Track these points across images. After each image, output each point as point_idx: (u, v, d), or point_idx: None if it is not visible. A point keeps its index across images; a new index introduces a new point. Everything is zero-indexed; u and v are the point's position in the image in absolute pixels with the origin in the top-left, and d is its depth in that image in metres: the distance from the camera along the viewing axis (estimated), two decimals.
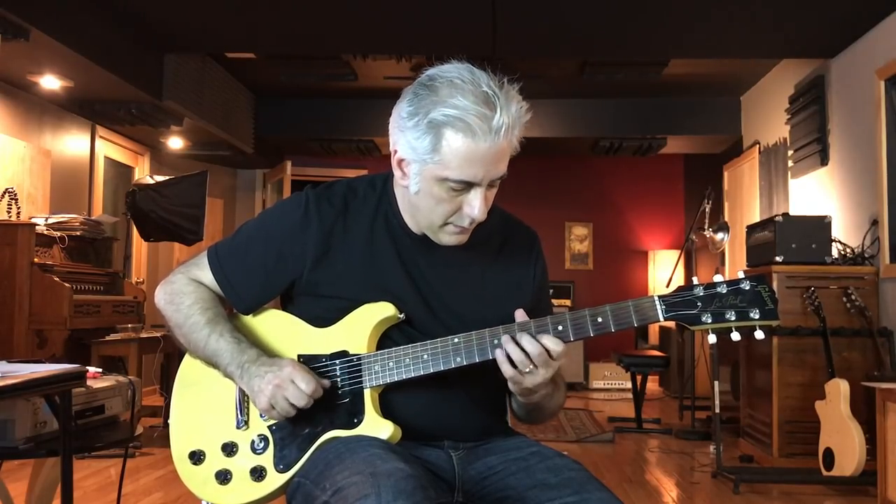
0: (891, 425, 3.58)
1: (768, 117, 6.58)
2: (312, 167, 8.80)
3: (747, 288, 1.44)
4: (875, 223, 4.69)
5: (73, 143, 6.16)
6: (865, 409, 4.09)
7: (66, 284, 4.70)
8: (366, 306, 1.53)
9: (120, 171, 6.99)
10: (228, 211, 8.65)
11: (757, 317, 1.42)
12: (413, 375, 1.48)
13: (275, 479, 1.50)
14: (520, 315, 1.48)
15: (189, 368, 1.63)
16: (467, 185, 1.45)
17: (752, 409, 4.87)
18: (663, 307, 1.44)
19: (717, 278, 1.45)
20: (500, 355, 1.45)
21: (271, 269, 1.58)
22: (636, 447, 5.35)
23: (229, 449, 1.54)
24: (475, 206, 1.46)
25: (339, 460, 1.39)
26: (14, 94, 5.41)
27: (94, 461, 4.26)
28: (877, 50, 4.81)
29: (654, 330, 8.36)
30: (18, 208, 5.02)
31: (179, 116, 6.20)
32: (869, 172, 4.81)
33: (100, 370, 2.65)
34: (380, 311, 1.52)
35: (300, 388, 1.45)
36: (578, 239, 9.47)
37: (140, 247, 7.00)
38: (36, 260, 4.69)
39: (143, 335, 5.11)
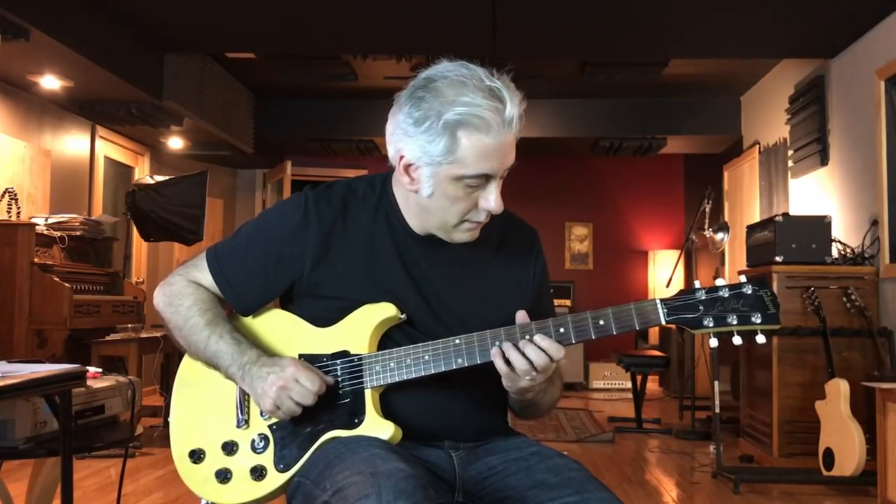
0: (891, 425, 3.58)
1: (768, 117, 6.58)
2: (312, 167, 8.80)
3: (749, 292, 1.44)
4: (875, 223, 4.69)
5: (73, 143, 6.16)
6: (865, 409, 4.09)
7: (66, 284, 4.70)
8: (367, 306, 1.53)
9: (120, 171, 6.99)
10: (228, 211, 8.65)
11: (758, 321, 1.42)
12: (414, 376, 1.49)
13: (275, 479, 1.50)
14: (520, 317, 1.48)
15: (189, 368, 1.62)
16: (484, 180, 1.46)
17: (752, 409, 4.87)
18: (665, 311, 1.44)
19: (720, 282, 1.45)
20: (495, 354, 1.44)
21: (271, 270, 1.58)
22: (636, 447, 5.35)
23: (229, 448, 1.54)
24: (492, 199, 1.47)
25: (340, 460, 1.39)
26: (14, 94, 5.41)
27: (94, 461, 4.26)
28: (877, 50, 4.81)
29: (654, 330, 8.37)
30: (18, 208, 5.02)
31: (179, 116, 6.20)
32: (869, 172, 4.81)
33: (100, 370, 2.65)
34: (381, 312, 1.52)
35: (305, 387, 1.45)
36: (578, 239, 9.47)
37: (140, 247, 7.00)
38: (36, 260, 4.69)
39: (143, 335, 5.10)
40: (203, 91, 6.37)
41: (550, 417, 6.14)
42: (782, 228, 4.61)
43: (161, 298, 1.62)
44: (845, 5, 4.66)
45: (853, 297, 4.40)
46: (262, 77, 6.96)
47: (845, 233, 5.04)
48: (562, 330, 1.46)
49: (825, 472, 4.05)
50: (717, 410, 4.47)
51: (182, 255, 7.44)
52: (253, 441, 1.53)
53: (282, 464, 1.50)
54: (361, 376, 1.51)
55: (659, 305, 1.44)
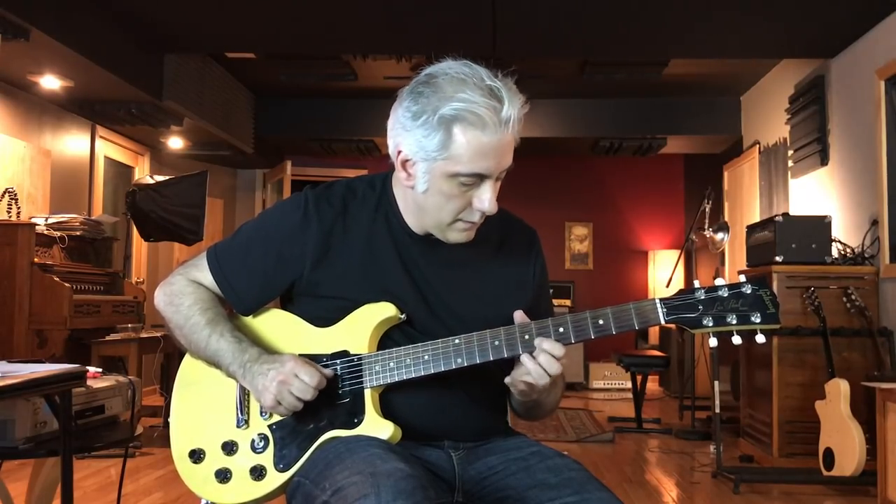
0: (891, 425, 3.58)
1: (768, 117, 6.58)
2: (312, 167, 8.80)
3: (748, 292, 1.44)
4: (875, 223, 4.69)
5: (73, 143, 6.16)
6: (865, 409, 4.09)
7: (66, 284, 4.70)
8: (367, 306, 1.53)
9: (120, 171, 6.99)
10: (228, 211, 8.65)
11: (758, 321, 1.42)
12: (414, 376, 1.49)
13: (274, 479, 1.50)
14: (519, 316, 1.49)
15: (189, 367, 1.63)
16: (478, 179, 1.46)
17: (752, 409, 4.87)
18: (664, 310, 1.44)
19: (719, 282, 1.45)
20: (528, 364, 1.45)
21: (271, 270, 1.58)
22: (636, 447, 5.35)
23: (229, 448, 1.54)
24: (485, 199, 1.47)
25: (339, 460, 1.39)
26: (14, 94, 5.41)
27: (94, 461, 4.26)
28: (877, 50, 4.81)
29: (654, 330, 8.36)
30: (18, 208, 5.03)
31: (179, 116, 6.20)
32: (869, 172, 4.81)
33: (100, 370, 2.65)
34: (381, 312, 1.52)
35: (305, 381, 1.45)
36: (578, 239, 9.47)
37: (140, 247, 7.00)
38: (36, 260, 4.69)
39: (143, 335, 5.11)
40: (203, 91, 6.37)
41: (551, 417, 6.14)
42: (782, 228, 4.61)
43: (161, 298, 1.62)
44: (845, 5, 4.66)
45: (853, 297, 4.40)
46: (262, 77, 6.96)
47: (845, 233, 5.04)
48: (561, 330, 1.46)
49: (825, 472, 4.05)
50: (717, 410, 4.47)
51: (182, 255, 7.44)
52: (253, 441, 1.53)
53: (281, 464, 1.50)
54: (361, 376, 1.51)
55: (658, 305, 1.44)
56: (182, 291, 1.61)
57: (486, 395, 1.61)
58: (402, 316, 1.53)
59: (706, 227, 5.83)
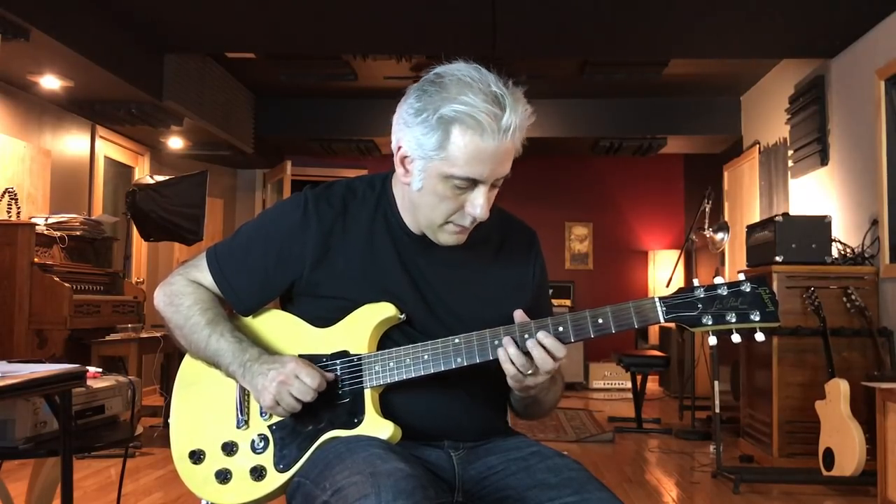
0: (891, 425, 3.58)
1: (768, 117, 6.58)
2: (312, 167, 8.80)
3: (748, 290, 1.44)
4: (875, 223, 4.69)
5: (73, 143, 6.16)
6: (865, 409, 4.09)
7: (66, 284, 4.70)
8: (366, 306, 1.53)
9: (120, 171, 6.99)
10: (228, 211, 8.65)
11: (757, 319, 1.42)
12: (413, 376, 1.49)
13: (275, 479, 1.50)
14: (519, 316, 1.49)
15: (189, 368, 1.63)
16: (472, 184, 1.45)
17: (752, 409, 4.87)
18: (664, 309, 1.44)
19: (718, 280, 1.46)
20: (502, 355, 1.45)
21: (271, 270, 1.58)
22: (636, 447, 5.35)
23: (229, 448, 1.54)
24: (478, 204, 1.47)
25: (339, 460, 1.39)
26: (14, 94, 5.41)
27: (94, 461, 4.26)
28: (877, 50, 4.81)
29: (654, 330, 8.36)
30: (18, 208, 5.03)
31: (179, 116, 6.20)
32: (869, 172, 4.81)
33: (100, 370, 2.65)
34: (380, 312, 1.52)
35: (305, 383, 1.45)
36: (578, 239, 9.47)
37: (140, 247, 7.00)
38: (36, 260, 4.69)
39: (143, 335, 5.10)
40: (203, 91, 6.37)
41: (550, 417, 6.14)
42: (782, 228, 4.61)
43: (161, 298, 1.62)
44: (845, 5, 4.67)
45: (853, 297, 4.40)
46: (262, 77, 6.96)
47: (845, 233, 5.04)
48: (560, 328, 1.46)
49: (825, 472, 4.05)
50: (717, 410, 4.47)
51: (182, 255, 7.44)
52: (253, 441, 1.53)
53: (281, 464, 1.51)
54: (361, 376, 1.51)
55: (657, 304, 1.44)
56: (182, 292, 1.61)
57: (486, 394, 1.61)
58: (402, 316, 1.53)
59: (706, 227, 5.83)
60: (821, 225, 4.66)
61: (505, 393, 1.63)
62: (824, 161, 5.44)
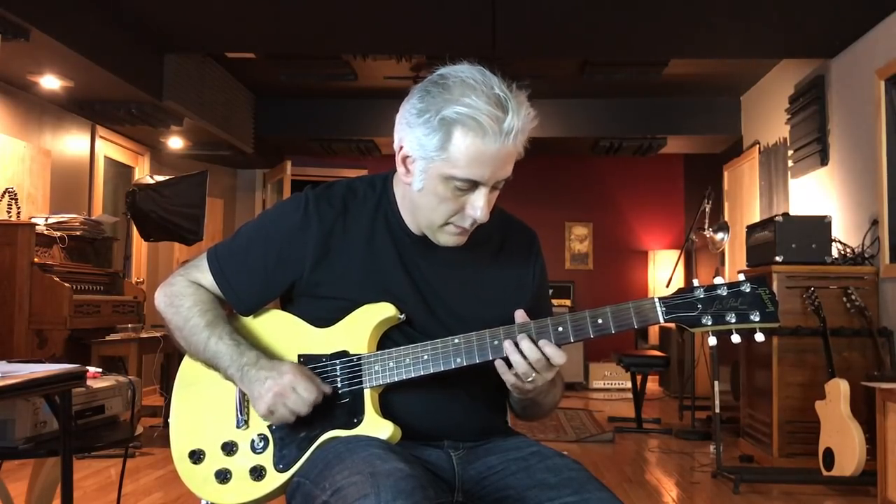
0: (891, 425, 3.58)
1: (768, 117, 6.58)
2: (312, 167, 8.80)
3: (747, 290, 1.44)
4: (875, 223, 4.69)
5: (73, 143, 6.16)
6: (865, 409, 4.09)
7: (66, 284, 4.70)
8: (366, 307, 1.53)
9: (120, 171, 6.99)
10: (228, 211, 8.65)
11: (757, 319, 1.42)
12: (413, 376, 1.49)
13: (274, 479, 1.50)
14: (520, 316, 1.49)
15: (189, 368, 1.63)
16: (472, 185, 1.45)
17: (752, 409, 4.87)
18: (663, 309, 1.44)
19: (718, 280, 1.46)
20: (500, 365, 1.46)
21: (271, 270, 1.58)
22: (636, 447, 5.35)
23: (229, 448, 1.54)
24: (478, 206, 1.47)
25: (339, 460, 1.39)
26: (14, 94, 5.41)
27: (94, 461, 4.26)
28: (877, 50, 4.81)
29: (654, 330, 8.36)
30: (18, 208, 5.03)
31: (179, 116, 6.20)
32: (869, 172, 4.81)
33: (100, 370, 2.65)
34: (380, 312, 1.52)
35: (301, 396, 1.46)
36: (578, 239, 9.47)
37: (140, 247, 7.00)
38: (36, 260, 4.69)
39: (143, 335, 5.11)
40: (203, 91, 6.37)
41: (550, 417, 6.14)
42: (782, 228, 4.61)
43: (162, 299, 1.62)
44: (845, 5, 4.67)
45: (853, 297, 4.40)
46: (262, 77, 6.96)
47: (845, 233, 5.04)
48: (560, 329, 1.46)
49: (825, 472, 4.05)
50: (717, 410, 4.46)
51: (182, 255, 7.44)
52: (252, 441, 1.53)
53: (281, 464, 1.51)
54: (360, 376, 1.51)
55: (657, 304, 1.44)
56: (182, 293, 1.61)
57: (486, 394, 1.61)
58: (402, 316, 1.53)
59: (706, 227, 5.83)
60: (821, 225, 4.66)
61: (505, 393, 1.63)
62: (824, 161, 5.44)
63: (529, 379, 1.45)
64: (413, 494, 1.26)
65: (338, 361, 1.52)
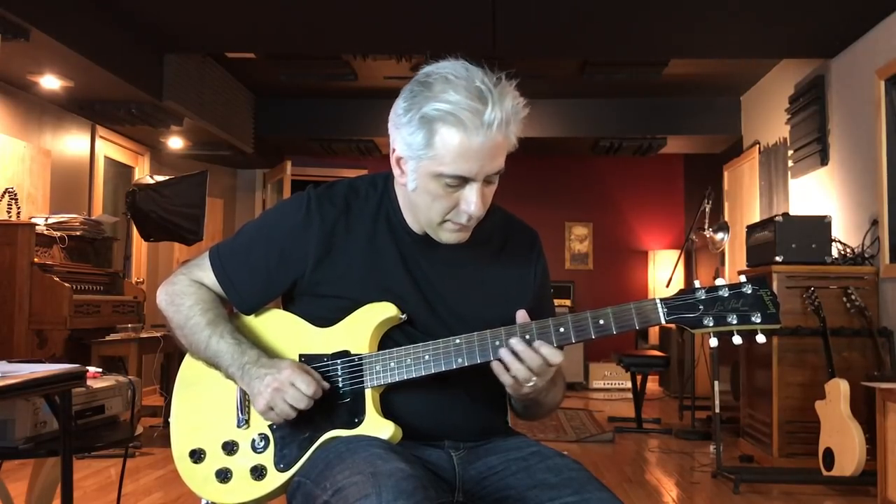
0: (891, 425, 3.58)
1: (768, 117, 6.58)
2: (312, 167, 8.80)
3: (749, 291, 1.43)
4: (875, 223, 4.69)
5: (73, 143, 6.16)
6: (865, 409, 4.09)
7: (66, 284, 4.70)
8: (367, 306, 1.53)
9: (120, 171, 6.99)
10: (228, 211, 8.65)
11: (758, 321, 1.42)
12: (414, 376, 1.49)
13: (275, 479, 1.50)
14: (521, 316, 1.49)
15: (190, 368, 1.63)
16: (462, 181, 1.45)
17: (752, 409, 4.87)
18: (665, 310, 1.44)
19: (719, 282, 1.45)
20: (497, 367, 1.46)
21: (273, 269, 1.58)
22: (636, 447, 5.35)
23: (230, 448, 1.54)
24: (471, 201, 1.46)
25: (340, 460, 1.39)
26: (14, 94, 5.41)
27: (94, 461, 4.26)
28: (877, 50, 4.81)
29: (654, 330, 8.37)
30: (18, 208, 5.02)
31: (179, 116, 6.20)
32: (869, 172, 4.81)
33: (100, 370, 2.65)
34: (381, 311, 1.52)
35: (300, 391, 1.45)
36: (578, 239, 9.47)
37: (140, 247, 7.00)
38: (36, 260, 4.69)
39: (143, 335, 5.10)
40: (203, 91, 6.37)
41: (550, 417, 6.14)
42: (782, 228, 4.61)
43: (164, 297, 1.63)
44: (845, 5, 4.66)
45: (853, 297, 4.40)
46: (262, 77, 6.96)
47: (845, 233, 5.04)
48: (562, 330, 1.46)
49: (825, 472, 4.05)
50: (717, 410, 4.47)
51: (182, 255, 7.43)
52: (253, 441, 1.53)
53: (282, 463, 1.51)
54: (362, 376, 1.51)
55: (659, 305, 1.44)
56: (184, 292, 1.61)
57: (487, 395, 1.61)
58: (403, 316, 1.53)
59: (706, 227, 5.83)
60: (821, 225, 4.66)
61: (505, 393, 1.62)
62: (824, 161, 5.44)
63: (530, 383, 1.45)
64: (414, 494, 1.26)
65: (339, 361, 1.52)
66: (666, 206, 9.37)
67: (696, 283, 1.46)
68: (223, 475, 1.53)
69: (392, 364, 1.50)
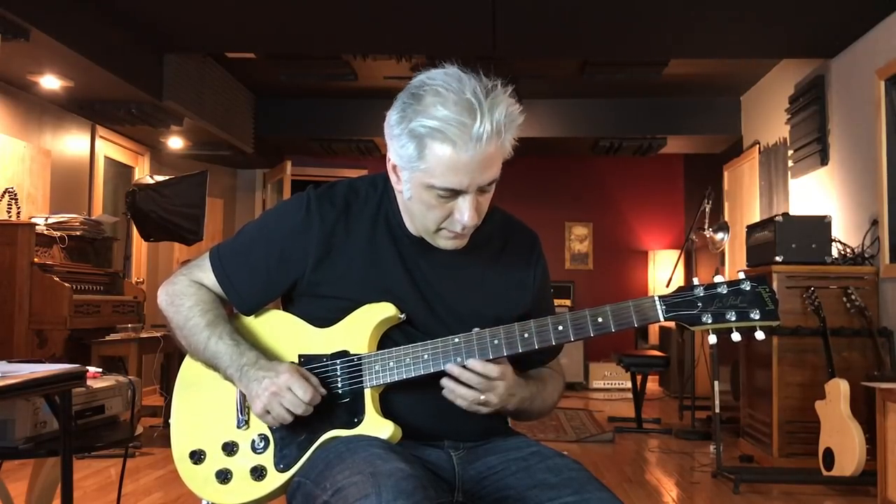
0: (891, 425, 3.58)
1: (768, 117, 6.58)
2: (312, 167, 8.80)
3: (748, 289, 1.44)
4: (875, 223, 4.69)
5: (73, 143, 6.16)
6: (865, 409, 4.09)
7: (66, 284, 4.70)
8: (367, 306, 1.53)
9: (120, 171, 6.99)
10: (228, 211, 8.66)
11: (757, 317, 1.42)
12: (413, 375, 1.49)
13: (275, 479, 1.51)
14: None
15: (190, 369, 1.63)
16: (454, 193, 1.45)
17: (752, 409, 4.87)
18: (664, 307, 1.44)
19: (718, 279, 1.46)
20: (446, 393, 1.48)
21: (273, 269, 1.58)
22: (636, 447, 5.35)
23: (230, 448, 1.54)
24: (464, 212, 1.46)
25: (340, 460, 1.39)
26: (14, 94, 5.41)
27: (94, 461, 4.26)
28: (877, 50, 4.81)
29: (654, 330, 8.36)
30: (18, 208, 5.03)
31: (179, 116, 6.20)
32: (869, 172, 4.81)
33: (100, 370, 2.65)
34: (380, 312, 1.52)
35: (297, 396, 1.46)
36: (578, 239, 9.47)
37: (140, 247, 7.00)
38: (36, 260, 4.69)
39: (143, 335, 5.10)
40: (203, 91, 6.37)
41: (550, 417, 6.14)
42: (782, 228, 4.61)
43: (164, 297, 1.63)
44: (845, 5, 4.66)
45: (853, 297, 4.40)
46: (262, 77, 6.96)
47: (845, 233, 5.04)
48: (560, 328, 1.46)
49: (825, 472, 4.05)
50: (717, 410, 4.46)
51: (182, 255, 7.44)
52: (253, 441, 1.53)
53: (282, 464, 1.51)
54: (361, 376, 1.51)
55: (657, 302, 1.44)
56: (184, 292, 1.61)
57: None
58: (402, 316, 1.53)
59: (706, 227, 5.83)
60: (821, 225, 4.66)
61: None
62: (824, 161, 5.44)
63: (480, 400, 1.47)
64: (414, 494, 1.26)
65: (338, 361, 1.52)
66: (666, 206, 9.37)
67: (695, 281, 1.46)
68: (223, 476, 1.53)
69: (391, 364, 1.50)
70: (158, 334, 5.07)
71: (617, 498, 1.41)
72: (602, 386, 8.47)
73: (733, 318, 1.43)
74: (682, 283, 7.26)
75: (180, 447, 1.58)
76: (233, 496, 1.52)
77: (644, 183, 9.35)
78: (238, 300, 1.61)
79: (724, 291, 1.44)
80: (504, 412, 1.57)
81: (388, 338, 1.54)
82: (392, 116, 1.47)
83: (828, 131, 5.43)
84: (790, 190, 5.98)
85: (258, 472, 1.51)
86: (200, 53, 6.24)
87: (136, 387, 2.58)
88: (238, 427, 1.55)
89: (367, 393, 1.50)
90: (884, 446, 3.61)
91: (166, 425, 4.85)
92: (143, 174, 6.97)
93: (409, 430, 1.50)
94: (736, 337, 1.46)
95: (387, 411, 1.51)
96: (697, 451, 5.18)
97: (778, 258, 4.56)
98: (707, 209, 5.85)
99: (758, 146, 6.76)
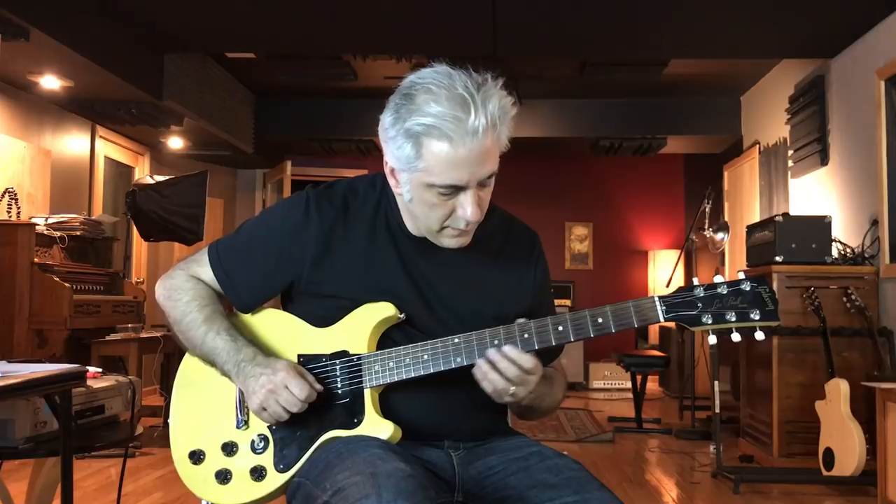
0: (891, 425, 3.58)
1: (768, 117, 6.58)
2: (312, 167, 8.80)
3: (748, 289, 1.44)
4: (875, 223, 4.69)
5: (73, 143, 6.16)
6: (865, 409, 4.09)
7: (66, 284, 4.70)
8: (366, 306, 1.53)
9: (120, 171, 6.99)
10: (228, 211, 8.65)
11: (757, 318, 1.42)
12: (413, 375, 1.49)
13: (275, 479, 1.50)
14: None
15: (189, 368, 1.63)
16: (456, 189, 1.45)
17: (752, 409, 4.87)
18: (664, 308, 1.43)
19: (718, 279, 1.45)
20: (476, 373, 1.46)
21: (272, 268, 1.58)
22: (636, 447, 5.35)
23: (229, 449, 1.54)
24: (467, 208, 1.46)
25: (340, 460, 1.39)
26: (14, 94, 5.41)
27: (94, 461, 4.26)
28: (877, 50, 4.81)
29: (654, 330, 8.36)
30: (18, 208, 5.03)
31: (179, 116, 6.20)
32: (869, 172, 4.81)
33: (100, 370, 2.65)
34: (380, 311, 1.52)
35: (293, 394, 1.45)
36: (578, 239, 9.47)
37: (140, 247, 7.00)
38: (36, 260, 4.69)
39: (143, 335, 5.11)
40: (203, 91, 6.37)
41: (550, 417, 6.14)
42: (782, 228, 4.61)
43: (161, 291, 1.63)
44: (845, 5, 4.66)
45: (853, 297, 4.40)
46: (262, 77, 6.96)
47: (845, 233, 5.04)
48: (560, 328, 1.46)
49: (825, 472, 4.05)
50: (717, 410, 4.46)
51: (182, 255, 7.42)
52: (253, 441, 1.53)
53: (282, 464, 1.50)
54: (360, 376, 1.51)
55: (657, 303, 1.44)
56: (181, 287, 1.61)
57: (486, 394, 1.60)
58: (402, 315, 1.53)
59: (706, 227, 5.83)
60: (821, 225, 4.66)
61: None
62: (824, 161, 5.44)
63: (510, 392, 1.45)
64: (414, 494, 1.26)
65: (338, 361, 1.52)
66: (666, 206, 9.37)
67: (695, 281, 1.46)
68: (223, 476, 1.53)
69: (391, 364, 1.50)
70: (158, 334, 5.07)
71: (617, 498, 1.41)
72: (602, 386, 8.47)
73: (733, 319, 1.42)
74: (682, 284, 7.26)
75: (180, 447, 1.57)
76: (232, 496, 1.52)
77: (644, 183, 9.35)
78: (235, 297, 1.61)
79: (724, 292, 1.44)
80: (516, 404, 1.56)
81: (388, 338, 1.54)
82: (386, 119, 1.46)
83: (828, 131, 5.43)
84: (790, 190, 5.98)
85: (258, 473, 1.51)
86: (200, 53, 6.25)
87: (136, 387, 2.58)
88: (237, 427, 1.55)
89: (367, 393, 1.50)
90: (884, 446, 3.61)
91: (166, 425, 4.83)
92: (143, 174, 6.97)
93: (409, 431, 1.49)
94: (736, 337, 1.46)
95: (387, 411, 1.50)
96: (697, 451, 5.17)
97: (778, 258, 4.56)
98: (707, 209, 5.85)
99: (758, 146, 6.76)
